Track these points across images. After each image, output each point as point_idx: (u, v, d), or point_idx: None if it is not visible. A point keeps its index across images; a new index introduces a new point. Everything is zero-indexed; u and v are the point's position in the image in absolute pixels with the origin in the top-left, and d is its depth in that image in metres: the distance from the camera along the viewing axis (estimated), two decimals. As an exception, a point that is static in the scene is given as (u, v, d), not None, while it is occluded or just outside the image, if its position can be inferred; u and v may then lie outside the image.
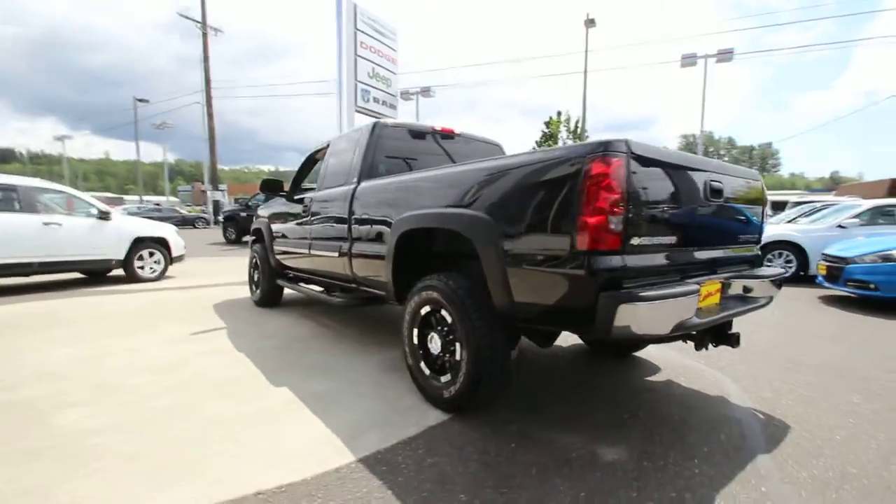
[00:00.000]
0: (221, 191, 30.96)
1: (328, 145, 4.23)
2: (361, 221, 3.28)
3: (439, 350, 2.51)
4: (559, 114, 34.36)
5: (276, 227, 4.92)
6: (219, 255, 11.64)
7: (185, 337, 3.94)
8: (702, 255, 2.28)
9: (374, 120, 3.59)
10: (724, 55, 19.40)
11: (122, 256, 6.92)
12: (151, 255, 7.40)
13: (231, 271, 8.42)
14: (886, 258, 5.10)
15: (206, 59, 25.45)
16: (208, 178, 27.05)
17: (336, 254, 3.55)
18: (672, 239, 2.06)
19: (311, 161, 4.78)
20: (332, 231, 3.69)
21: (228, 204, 26.91)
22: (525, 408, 2.57)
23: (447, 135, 3.94)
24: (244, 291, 6.15)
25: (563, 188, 1.86)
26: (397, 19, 21.66)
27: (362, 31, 19.08)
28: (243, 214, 15.40)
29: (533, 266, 1.97)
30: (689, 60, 20.10)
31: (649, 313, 1.73)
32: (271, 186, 4.70)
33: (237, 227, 15.52)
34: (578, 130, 33.50)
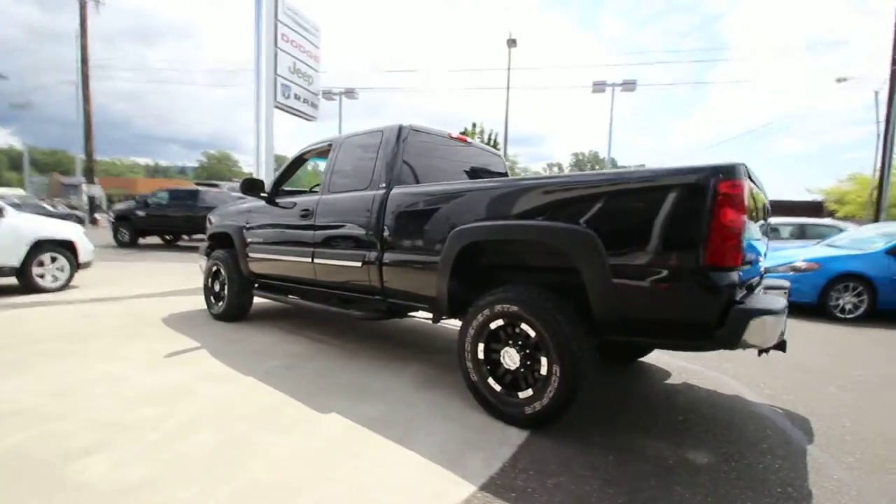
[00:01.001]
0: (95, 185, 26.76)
1: (330, 146, 3.91)
2: (399, 230, 3.09)
3: (516, 365, 2.46)
4: (474, 125, 35.76)
5: (253, 232, 4.40)
6: (119, 260, 10.03)
7: (164, 359, 3.35)
8: (753, 269, 2.55)
9: (397, 123, 3.41)
10: (629, 85, 21.87)
11: (17, 263, 5.63)
12: (54, 260, 6.13)
13: (148, 279, 7.32)
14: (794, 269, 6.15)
15: (83, 34, 21.82)
16: (82, 170, 23.19)
17: (359, 263, 3.29)
18: (751, 256, 2.28)
19: (299, 162, 4.38)
20: (351, 238, 3.42)
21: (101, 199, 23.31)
22: (588, 418, 2.61)
23: (461, 142, 3.89)
24: (184, 303, 5.42)
25: (684, 207, 1.96)
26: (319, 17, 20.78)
27: (284, 24, 18.04)
28: (140, 213, 13.48)
29: (646, 281, 2.04)
30: (599, 87, 22.27)
31: (772, 325, 1.90)
32: (252, 187, 4.20)
33: (132, 228, 13.52)
34: (492, 142, 35.02)
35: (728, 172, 1.90)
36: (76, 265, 6.36)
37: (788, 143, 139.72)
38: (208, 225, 5.28)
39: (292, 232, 3.98)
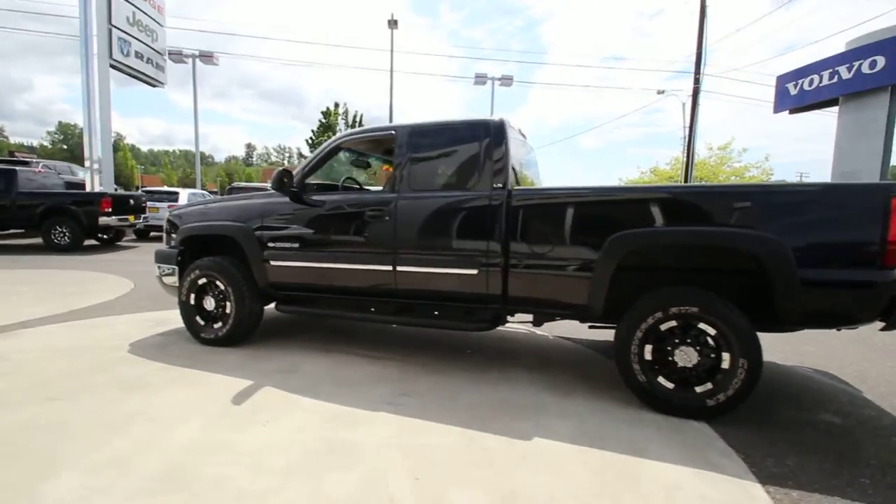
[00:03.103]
0: None
1: (392, 135, 3.41)
2: (531, 235, 2.92)
3: (693, 363, 2.61)
4: (336, 105, 34.08)
5: (275, 234, 3.58)
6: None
7: (237, 409, 2.57)
8: None
9: (496, 117, 3.16)
10: (506, 80, 23.34)
11: None
12: None
13: (22, 296, 5.35)
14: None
15: None
16: None
17: (473, 270, 3.01)
18: None
19: (334, 152, 3.70)
20: (460, 244, 3.09)
21: None
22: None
23: (522, 136, 3.79)
24: (115, 327, 4.25)
25: (867, 216, 2.34)
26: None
27: (120, -41, 14.65)
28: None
29: (829, 278, 2.39)
30: (480, 80, 23.26)
31: None
32: (284, 182, 3.40)
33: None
34: (358, 125, 34.00)
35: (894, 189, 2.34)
36: None
37: (587, 141, 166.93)
38: (170, 225, 4.10)
39: (351, 237, 3.39)
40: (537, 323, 3.30)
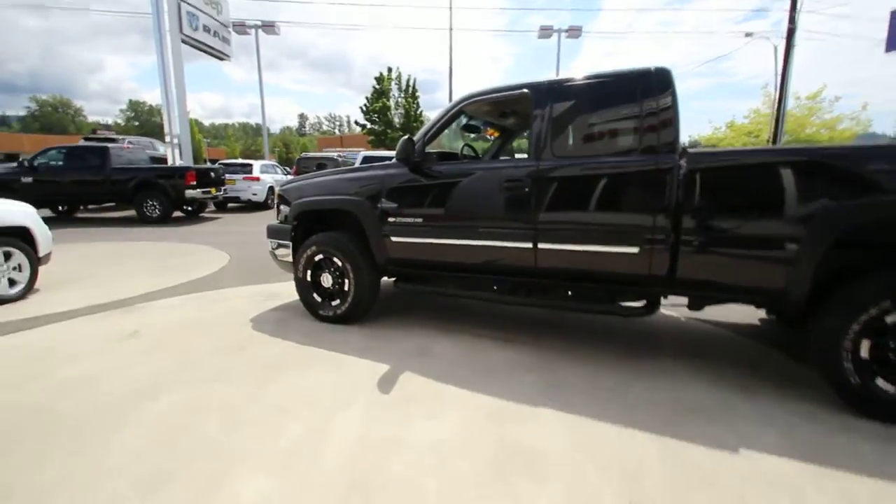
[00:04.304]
0: None
1: (525, 93, 3.01)
2: (717, 206, 2.49)
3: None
4: (389, 70, 33.49)
5: (396, 208, 3.35)
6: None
7: (374, 395, 2.43)
8: None
9: (658, 65, 2.69)
10: (574, 31, 21.74)
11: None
12: (7, 257, 4.26)
13: (118, 269, 5.59)
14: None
15: None
16: None
17: (634, 248, 2.64)
18: None
19: (456, 115, 3.37)
20: (619, 218, 2.73)
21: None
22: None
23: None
24: (226, 300, 4.27)
25: None
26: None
27: (187, -71, 14.56)
28: (27, 180, 10.30)
29: None
30: (545, 33, 21.85)
31: None
32: (409, 151, 3.14)
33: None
34: (412, 89, 33.35)
35: None
36: (37, 260, 4.52)
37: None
38: (281, 199, 3.99)
39: (483, 210, 3.10)
40: (696, 306, 2.90)
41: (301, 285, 3.77)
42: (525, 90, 3.04)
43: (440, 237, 3.23)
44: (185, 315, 3.86)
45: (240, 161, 15.23)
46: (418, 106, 32.89)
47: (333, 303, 3.66)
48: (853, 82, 67.94)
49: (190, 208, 12.19)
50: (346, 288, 3.59)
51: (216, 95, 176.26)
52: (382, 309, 4.01)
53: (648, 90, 2.67)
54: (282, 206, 3.99)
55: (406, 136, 3.18)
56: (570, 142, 2.91)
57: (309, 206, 3.73)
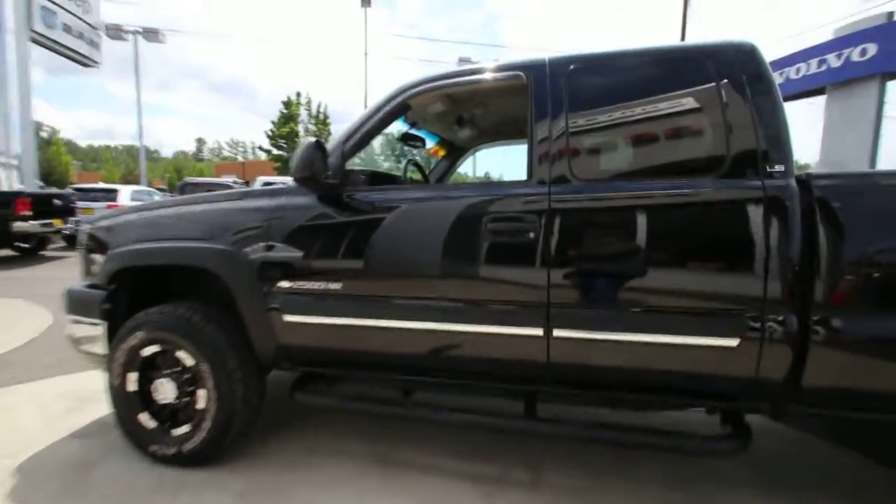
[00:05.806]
0: None
1: (519, 76, 1.82)
2: (873, 266, 1.42)
3: None
4: (298, 95, 31.67)
5: (300, 262, 1.90)
6: None
7: None
8: None
9: (736, 40, 1.65)
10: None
11: None
12: None
13: None
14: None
15: None
16: None
17: (732, 339, 1.49)
18: None
19: (396, 113, 2.05)
20: (692, 282, 1.56)
21: None
22: None
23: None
24: (48, 410, 2.47)
25: None
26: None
27: None
28: None
29: None
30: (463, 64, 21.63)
31: None
32: (314, 166, 1.75)
33: None
34: (323, 116, 31.98)
35: None
36: None
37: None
38: (93, 244, 2.33)
39: (453, 269, 1.77)
40: (779, 416, 1.80)
41: (119, 399, 2.11)
42: (519, 72, 1.82)
43: (373, 315, 1.84)
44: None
45: (101, 186, 12.34)
46: (329, 133, 31.37)
47: (177, 431, 2.05)
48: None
49: (26, 245, 9.38)
50: (200, 404, 2.01)
51: (98, 114, 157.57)
52: (272, 421, 2.45)
53: (732, 75, 1.59)
54: (93, 256, 2.33)
55: (312, 140, 1.79)
56: (603, 155, 1.74)
57: (140, 257, 2.12)
